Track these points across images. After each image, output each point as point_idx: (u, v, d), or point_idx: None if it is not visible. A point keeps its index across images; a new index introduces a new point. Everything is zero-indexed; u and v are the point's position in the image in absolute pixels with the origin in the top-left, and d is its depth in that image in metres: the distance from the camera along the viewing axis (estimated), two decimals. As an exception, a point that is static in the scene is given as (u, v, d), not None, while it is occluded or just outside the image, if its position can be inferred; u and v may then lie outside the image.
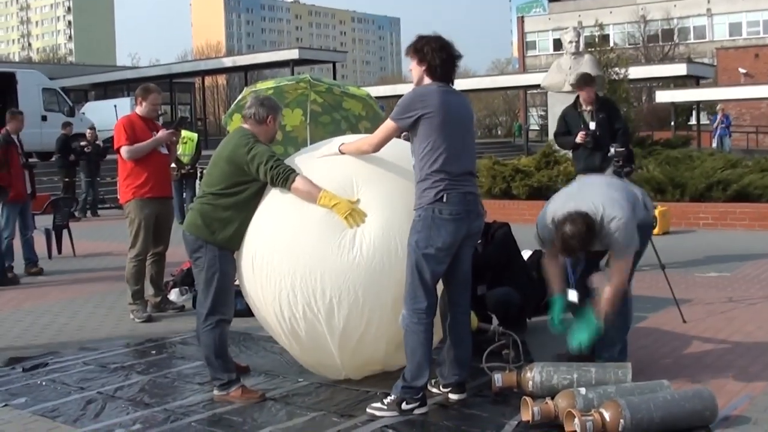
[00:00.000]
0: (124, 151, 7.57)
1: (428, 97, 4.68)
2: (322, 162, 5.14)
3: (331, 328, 4.86)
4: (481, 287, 5.81)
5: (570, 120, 9.09)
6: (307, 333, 4.94)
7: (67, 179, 18.96)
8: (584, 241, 4.84)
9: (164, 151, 7.82)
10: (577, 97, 9.04)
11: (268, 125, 5.25)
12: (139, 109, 7.81)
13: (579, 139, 8.82)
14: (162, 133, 7.67)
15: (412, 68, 4.85)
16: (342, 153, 5.06)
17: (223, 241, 5.07)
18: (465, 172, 4.72)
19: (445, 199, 4.60)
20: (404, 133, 5.10)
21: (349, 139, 5.32)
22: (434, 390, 5.03)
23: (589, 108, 8.95)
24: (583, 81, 8.91)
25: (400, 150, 5.07)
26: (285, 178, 4.91)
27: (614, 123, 8.91)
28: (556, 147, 15.63)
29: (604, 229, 4.92)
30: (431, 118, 4.63)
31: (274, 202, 5.04)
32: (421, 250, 4.61)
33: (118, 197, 7.89)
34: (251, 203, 5.08)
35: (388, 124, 4.82)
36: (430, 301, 4.66)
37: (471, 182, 4.77)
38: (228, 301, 5.17)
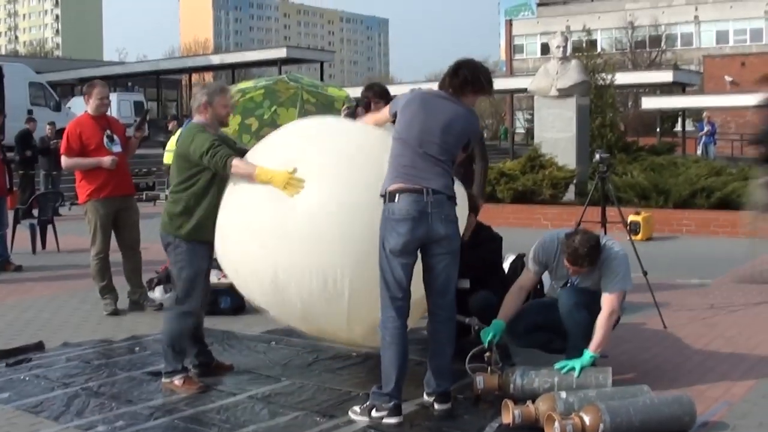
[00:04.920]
0: (63, 161, 7.73)
1: (403, 96, 4.81)
2: (265, 143, 5.36)
3: (340, 305, 4.82)
4: (463, 281, 5.69)
5: None
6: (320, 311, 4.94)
7: (21, 172, 17.85)
8: (592, 251, 5.05)
9: (117, 149, 7.72)
10: None
11: (206, 111, 5.35)
12: (89, 108, 7.80)
13: None
14: (107, 159, 7.56)
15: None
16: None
17: (188, 234, 5.25)
18: (427, 172, 4.55)
19: (396, 199, 4.50)
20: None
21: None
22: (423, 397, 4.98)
23: None
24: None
25: (338, 125, 5.22)
26: (223, 164, 5.08)
27: None
28: (542, 151, 15.69)
29: (606, 252, 5.14)
30: (400, 112, 4.71)
31: (236, 191, 5.11)
32: (382, 250, 4.56)
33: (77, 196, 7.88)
34: (209, 192, 5.23)
35: (384, 109, 5.06)
36: (396, 305, 4.57)
37: (434, 182, 4.55)
38: (194, 294, 5.31)
